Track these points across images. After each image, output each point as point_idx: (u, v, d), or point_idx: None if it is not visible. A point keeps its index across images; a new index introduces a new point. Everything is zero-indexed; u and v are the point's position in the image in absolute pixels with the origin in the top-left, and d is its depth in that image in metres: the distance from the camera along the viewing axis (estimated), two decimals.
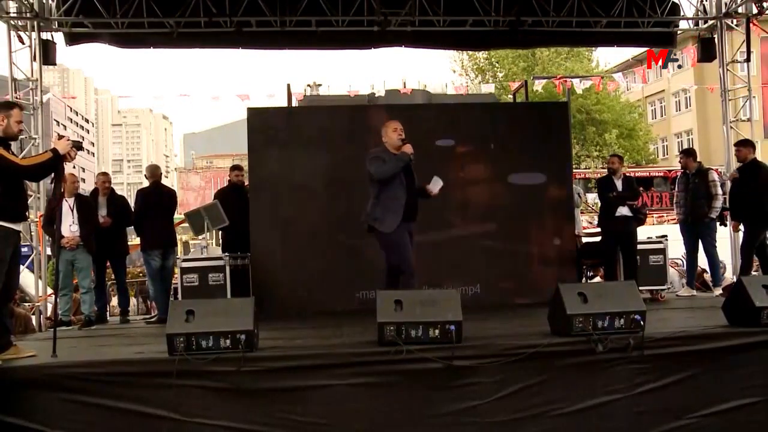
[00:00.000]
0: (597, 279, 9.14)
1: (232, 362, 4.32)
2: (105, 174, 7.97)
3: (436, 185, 5.85)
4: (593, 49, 28.54)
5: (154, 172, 7.97)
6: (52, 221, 6.83)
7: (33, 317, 8.06)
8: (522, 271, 8.13)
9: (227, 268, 7.43)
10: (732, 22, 8.77)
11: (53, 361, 4.55)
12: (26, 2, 7.70)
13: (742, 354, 4.68)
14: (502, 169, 8.20)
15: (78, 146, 4.81)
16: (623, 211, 7.67)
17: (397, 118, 8.10)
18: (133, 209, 7.87)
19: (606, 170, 8.26)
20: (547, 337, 4.72)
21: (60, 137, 4.79)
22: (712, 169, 8.55)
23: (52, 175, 4.78)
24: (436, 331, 4.49)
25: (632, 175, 9.60)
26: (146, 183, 8.05)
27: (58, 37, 8.28)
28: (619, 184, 7.78)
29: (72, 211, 7.11)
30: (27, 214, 5.40)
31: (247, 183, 8.37)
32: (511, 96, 19.53)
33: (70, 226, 7.06)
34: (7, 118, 4.69)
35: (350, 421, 4.38)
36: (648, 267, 7.94)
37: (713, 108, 23.27)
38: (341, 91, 14.49)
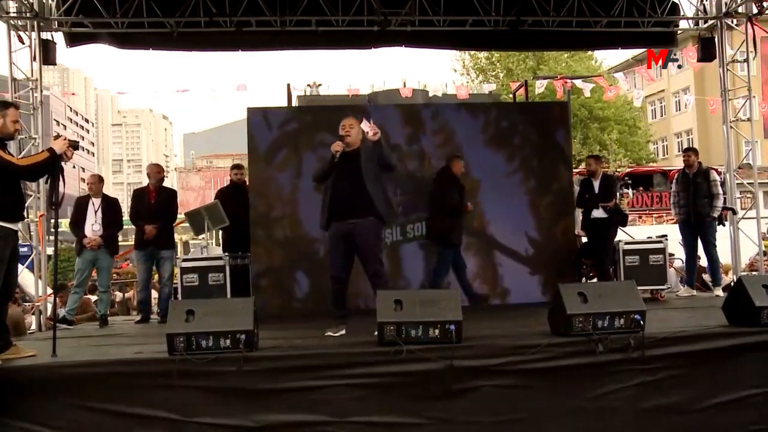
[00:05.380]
0: (596, 279, 9.12)
1: (232, 362, 4.32)
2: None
3: (365, 125, 5.47)
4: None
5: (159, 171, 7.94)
6: (76, 221, 7.24)
7: (32, 317, 8.03)
8: (521, 270, 8.13)
9: (227, 268, 7.43)
10: (732, 22, 8.76)
11: (53, 361, 4.56)
12: (26, 2, 7.69)
13: (742, 354, 4.68)
14: (502, 169, 8.20)
15: (75, 146, 4.81)
16: (596, 213, 7.85)
17: (398, 118, 8.21)
18: (135, 209, 7.83)
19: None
20: (547, 337, 4.72)
21: (57, 137, 4.80)
22: (712, 168, 8.54)
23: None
24: (436, 331, 4.50)
25: (627, 173, 9.60)
26: (146, 182, 8.01)
27: (58, 37, 8.27)
28: (596, 185, 7.91)
29: (96, 212, 7.24)
30: (25, 213, 5.40)
31: (247, 182, 8.36)
32: (511, 96, 19.48)
33: (92, 225, 7.20)
34: (3, 117, 4.70)
35: (350, 421, 4.38)
36: (648, 267, 7.94)
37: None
38: (341, 91, 14.45)
